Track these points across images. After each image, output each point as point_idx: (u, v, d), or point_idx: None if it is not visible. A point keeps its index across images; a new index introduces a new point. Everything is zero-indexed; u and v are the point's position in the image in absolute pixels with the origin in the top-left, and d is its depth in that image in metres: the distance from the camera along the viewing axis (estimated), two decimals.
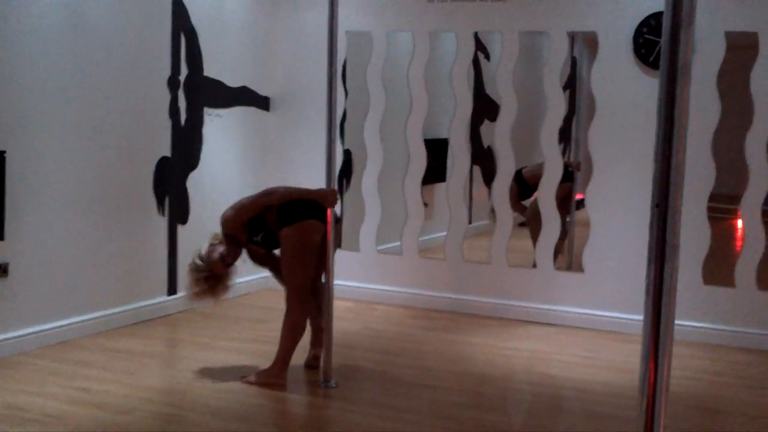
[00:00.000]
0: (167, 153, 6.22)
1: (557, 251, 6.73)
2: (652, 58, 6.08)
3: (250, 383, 4.77)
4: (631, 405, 4.60)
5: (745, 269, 5.99)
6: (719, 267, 6.34)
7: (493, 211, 6.75)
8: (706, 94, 5.86)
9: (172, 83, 6.22)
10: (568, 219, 7.15)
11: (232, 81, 6.85)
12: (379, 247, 7.08)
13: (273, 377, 4.78)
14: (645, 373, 2.10)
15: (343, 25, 6.29)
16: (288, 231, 4.74)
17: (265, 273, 7.15)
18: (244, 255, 4.96)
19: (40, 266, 5.29)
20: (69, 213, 5.46)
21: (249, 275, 7.10)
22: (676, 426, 4.30)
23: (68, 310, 5.51)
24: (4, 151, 4.92)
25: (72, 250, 5.50)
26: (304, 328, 4.84)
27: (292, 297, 4.79)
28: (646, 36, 6.09)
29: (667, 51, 1.96)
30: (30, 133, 5.15)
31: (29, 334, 5.23)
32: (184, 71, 6.33)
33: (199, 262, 4.78)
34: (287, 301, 4.81)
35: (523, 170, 7.19)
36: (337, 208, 5.04)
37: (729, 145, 6.10)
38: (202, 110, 6.55)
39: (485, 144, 7.52)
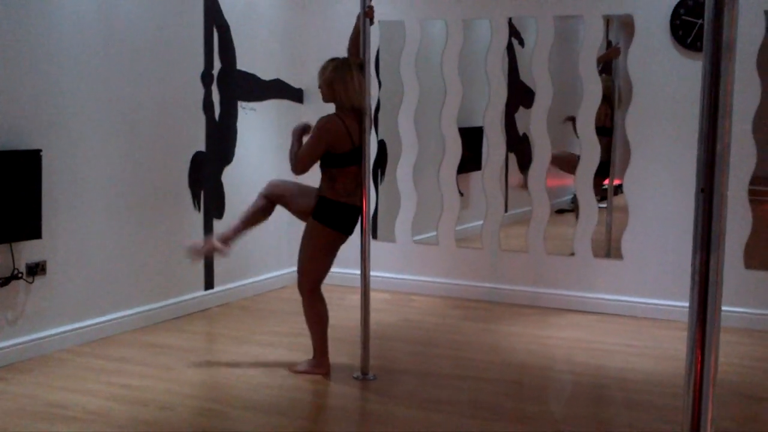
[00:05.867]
0: (202, 148, 6.23)
1: None
2: (690, 40, 5.98)
3: (296, 372, 4.85)
4: (674, 393, 4.53)
5: None
6: (761, 251, 6.23)
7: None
8: (746, 74, 5.75)
9: (206, 78, 6.22)
10: (603, 205, 7.07)
11: (265, 74, 6.84)
12: (415, 238, 7.04)
13: (315, 366, 4.86)
14: (692, 364, 2.04)
15: (376, 14, 6.24)
16: (317, 226, 4.72)
17: None
18: None
19: (77, 263, 5.32)
20: (105, 210, 5.48)
21: (283, 269, 7.11)
22: (720, 414, 4.23)
23: (106, 306, 5.54)
24: (39, 150, 4.94)
25: (109, 246, 5.53)
26: (326, 315, 4.85)
27: (306, 289, 4.81)
28: (684, 17, 5.98)
29: (711, 30, 1.90)
30: (65, 132, 5.17)
31: (68, 331, 5.27)
32: (217, 65, 6.32)
33: None
34: (301, 293, 4.84)
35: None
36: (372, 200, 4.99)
37: None
38: (235, 104, 6.55)
39: (521, 131, 7.45)
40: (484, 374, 4.93)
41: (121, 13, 5.51)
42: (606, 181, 6.95)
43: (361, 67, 4.70)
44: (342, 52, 4.97)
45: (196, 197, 6.20)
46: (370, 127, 4.77)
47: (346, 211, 4.71)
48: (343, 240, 4.78)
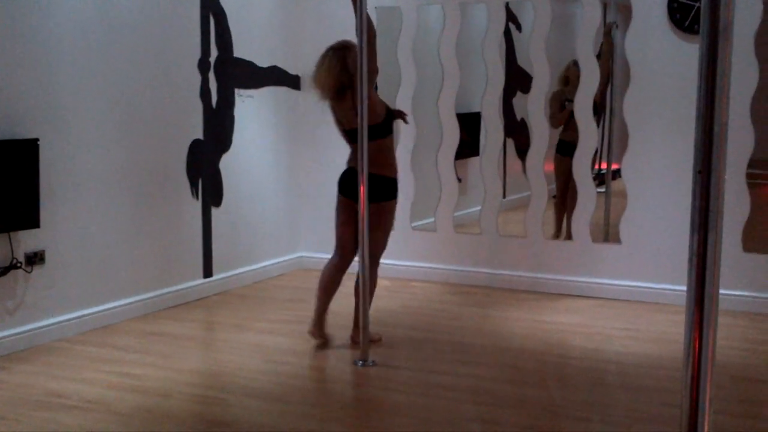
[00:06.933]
0: (199, 135, 6.22)
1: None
2: (687, 23, 5.96)
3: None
4: (673, 377, 4.54)
5: None
6: (759, 234, 6.23)
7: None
8: (744, 57, 5.73)
9: (203, 65, 6.20)
10: (602, 190, 7.07)
11: (262, 61, 6.82)
12: (413, 224, 7.04)
13: (311, 326, 5.08)
14: (689, 345, 2.04)
15: (373, 0, 6.24)
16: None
17: (298, 253, 7.19)
18: None
19: (76, 252, 5.32)
20: (103, 198, 5.48)
21: (282, 256, 7.11)
22: (718, 396, 4.23)
23: (105, 295, 5.54)
24: (37, 139, 4.93)
25: (107, 235, 5.52)
26: (326, 281, 5.05)
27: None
28: (681, 0, 5.97)
29: (708, 12, 1.89)
30: (62, 120, 5.16)
31: (68, 320, 5.27)
32: (214, 53, 6.30)
33: None
34: None
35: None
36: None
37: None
38: (233, 91, 6.53)
39: (518, 116, 7.45)
40: (483, 359, 4.94)
41: (118, 1, 5.49)
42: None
43: (342, 48, 4.85)
44: (338, 36, 4.96)
45: (194, 185, 6.19)
46: (363, 112, 4.71)
47: (345, 174, 5.03)
48: (347, 204, 5.00)
